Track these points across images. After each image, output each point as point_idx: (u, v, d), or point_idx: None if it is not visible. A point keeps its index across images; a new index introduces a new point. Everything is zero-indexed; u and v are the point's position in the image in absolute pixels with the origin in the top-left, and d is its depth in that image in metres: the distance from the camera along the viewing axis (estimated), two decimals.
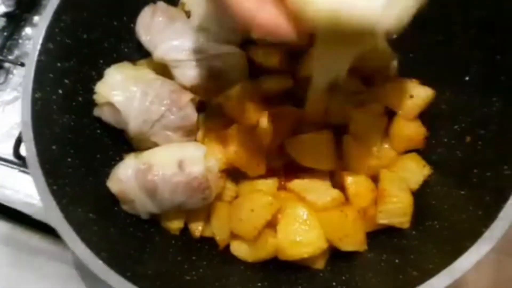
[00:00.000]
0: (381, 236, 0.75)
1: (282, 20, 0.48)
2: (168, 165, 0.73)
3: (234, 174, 0.81)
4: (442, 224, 0.66)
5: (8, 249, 0.92)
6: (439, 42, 0.79)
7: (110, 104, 0.76)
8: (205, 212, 0.80)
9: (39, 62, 0.68)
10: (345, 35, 0.48)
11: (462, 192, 0.66)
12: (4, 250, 0.93)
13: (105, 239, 0.65)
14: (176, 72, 0.81)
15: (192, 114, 0.80)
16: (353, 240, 0.72)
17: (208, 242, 0.80)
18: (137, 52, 0.88)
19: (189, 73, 0.81)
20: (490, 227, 0.53)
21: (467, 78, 0.73)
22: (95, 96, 0.77)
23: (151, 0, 0.88)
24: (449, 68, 0.77)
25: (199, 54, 0.80)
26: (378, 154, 0.78)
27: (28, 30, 1.19)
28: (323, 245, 0.71)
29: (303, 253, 0.71)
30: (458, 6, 0.74)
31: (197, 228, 0.80)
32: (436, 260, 0.57)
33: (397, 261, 0.67)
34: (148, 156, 0.75)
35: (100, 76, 0.79)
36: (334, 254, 0.75)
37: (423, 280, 0.55)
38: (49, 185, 0.61)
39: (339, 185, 0.78)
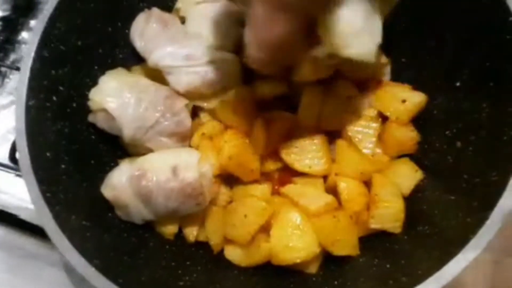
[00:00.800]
0: (373, 241, 0.75)
1: None
2: (162, 171, 0.74)
3: (228, 178, 0.82)
4: (433, 230, 0.67)
5: (3, 254, 0.93)
6: (431, 48, 0.80)
7: (105, 111, 0.77)
8: (200, 216, 0.80)
9: (33, 69, 0.68)
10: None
11: (453, 198, 0.67)
12: None
13: (98, 245, 0.65)
14: (171, 78, 0.81)
15: (186, 120, 0.81)
16: (345, 245, 0.73)
17: (202, 246, 0.80)
18: (132, 58, 0.88)
19: (183, 79, 0.81)
20: (477, 234, 0.54)
21: (458, 84, 0.74)
22: (89, 103, 0.78)
23: (146, 6, 0.89)
24: (440, 73, 0.77)
25: (193, 60, 0.81)
26: (371, 159, 0.79)
27: (24, 34, 1.20)
28: (316, 250, 0.72)
29: (296, 258, 0.71)
30: (450, 12, 0.75)
31: (191, 233, 0.80)
32: (425, 266, 0.57)
33: (388, 266, 0.68)
34: (142, 162, 0.76)
35: (95, 82, 0.80)
36: (327, 259, 0.75)
37: (411, 285, 0.56)
38: (43, 192, 0.62)
39: (332, 189, 0.78)
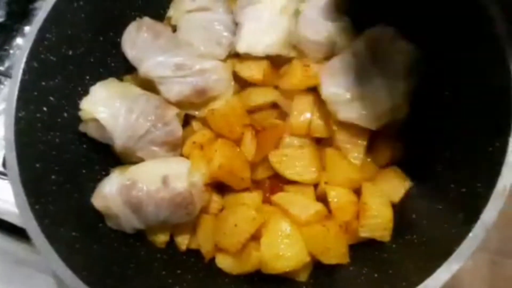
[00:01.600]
0: (363, 249, 0.76)
1: None
2: (152, 180, 0.74)
3: (220, 186, 0.82)
4: (420, 239, 0.67)
5: None
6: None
7: (96, 120, 0.77)
8: (191, 224, 0.81)
9: (22, 81, 0.69)
10: None
11: (440, 207, 0.67)
12: None
13: (87, 257, 0.65)
14: (162, 88, 0.82)
15: (177, 129, 0.81)
16: (335, 254, 0.73)
17: (194, 254, 0.81)
18: (124, 66, 0.89)
19: (174, 88, 0.82)
20: (460, 246, 0.54)
21: (446, 93, 0.74)
22: (80, 113, 0.78)
23: (137, 15, 0.89)
24: (429, 82, 0.77)
25: (184, 69, 0.82)
26: (361, 167, 0.79)
27: (19, 41, 1.19)
28: (306, 258, 0.72)
29: (285, 266, 0.72)
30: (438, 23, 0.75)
31: (183, 241, 0.81)
32: (410, 277, 0.57)
33: (376, 275, 0.68)
34: (133, 172, 0.76)
35: (86, 91, 0.80)
36: (317, 267, 0.76)
37: None
38: (31, 204, 0.62)
39: (322, 197, 0.79)
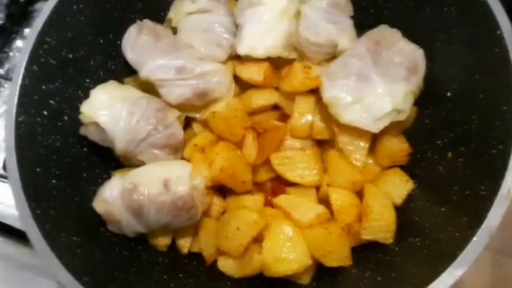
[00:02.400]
0: (365, 251, 0.76)
1: None
2: (154, 184, 0.74)
3: (221, 189, 0.82)
4: (423, 242, 0.67)
5: None
6: None
7: (96, 124, 0.77)
8: (193, 228, 0.81)
9: (23, 86, 0.68)
10: None
11: (443, 209, 0.67)
12: None
13: (88, 262, 0.65)
14: (162, 91, 0.81)
15: (178, 132, 0.81)
16: (337, 256, 0.73)
17: (196, 258, 0.80)
18: (125, 69, 0.88)
19: (175, 91, 0.81)
20: (464, 250, 0.54)
21: (448, 94, 0.74)
22: (80, 116, 0.78)
23: (138, 17, 0.89)
24: (431, 83, 0.77)
25: (185, 72, 0.81)
26: (363, 169, 0.79)
27: (19, 43, 1.19)
28: (308, 261, 0.72)
29: (288, 270, 0.71)
30: (440, 23, 0.75)
31: (185, 245, 0.80)
32: (413, 281, 0.57)
33: (379, 278, 0.68)
34: (134, 175, 0.76)
35: (86, 94, 0.80)
36: (320, 269, 0.75)
37: None
38: (32, 209, 0.62)
39: (324, 200, 0.78)
